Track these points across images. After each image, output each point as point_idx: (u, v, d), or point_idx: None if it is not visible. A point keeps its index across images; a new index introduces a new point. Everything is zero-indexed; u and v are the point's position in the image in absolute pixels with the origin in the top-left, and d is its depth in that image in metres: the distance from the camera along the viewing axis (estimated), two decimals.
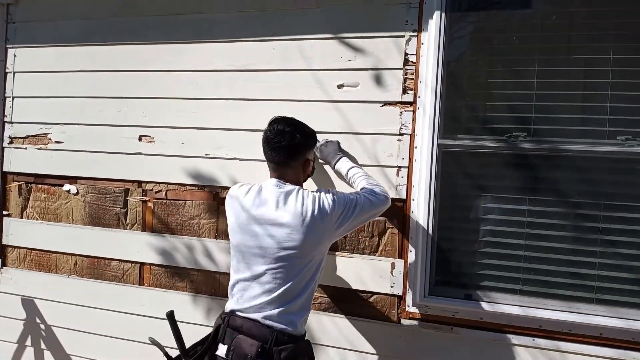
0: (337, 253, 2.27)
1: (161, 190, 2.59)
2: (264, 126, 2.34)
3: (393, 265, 2.20)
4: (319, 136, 2.06)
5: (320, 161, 2.26)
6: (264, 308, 1.79)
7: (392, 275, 2.20)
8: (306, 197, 1.82)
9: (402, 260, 2.19)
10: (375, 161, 2.21)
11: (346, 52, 2.25)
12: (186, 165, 2.53)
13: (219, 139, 2.47)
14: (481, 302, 2.09)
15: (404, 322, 2.19)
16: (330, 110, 2.28)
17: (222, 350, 1.81)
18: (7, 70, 2.89)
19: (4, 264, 2.91)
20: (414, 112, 2.16)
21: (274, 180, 1.89)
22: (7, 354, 2.93)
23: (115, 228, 2.66)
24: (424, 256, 2.14)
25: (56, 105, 2.75)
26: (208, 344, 1.86)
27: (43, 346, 2.85)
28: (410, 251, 2.17)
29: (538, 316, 2.03)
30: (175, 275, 2.56)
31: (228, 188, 2.42)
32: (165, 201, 2.58)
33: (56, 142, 2.76)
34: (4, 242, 2.91)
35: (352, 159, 2.20)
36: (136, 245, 2.62)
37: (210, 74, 2.47)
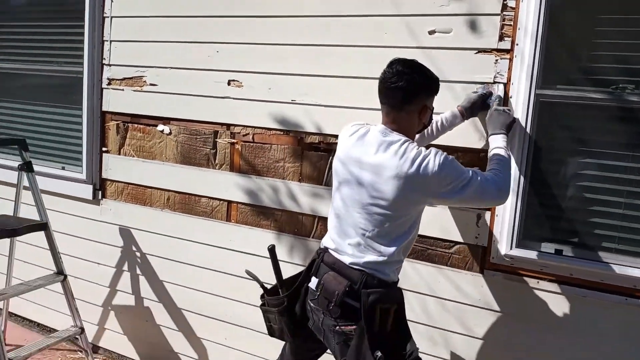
0: None
1: (248, 134, 2.68)
2: (351, 73, 2.37)
3: (479, 216, 2.19)
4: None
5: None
6: (355, 253, 1.79)
7: (477, 226, 2.19)
8: (409, 151, 1.70)
9: (489, 212, 2.17)
10: None
11: None
12: (272, 110, 2.59)
13: (305, 85, 2.49)
14: (572, 258, 2.05)
15: (488, 273, 2.19)
16: (420, 57, 2.18)
17: (313, 282, 1.86)
18: (104, 15, 3.02)
19: (103, 196, 3.17)
20: (511, 60, 2.07)
21: (382, 127, 1.81)
22: (107, 277, 3.23)
23: (205, 167, 2.79)
24: (513, 208, 2.10)
25: (151, 49, 2.86)
26: (303, 276, 1.93)
27: (138, 272, 3.11)
28: None
29: (634, 275, 1.96)
30: (260, 213, 2.68)
31: (312, 134, 2.49)
32: (252, 144, 2.67)
33: (151, 84, 2.89)
34: (104, 175, 3.14)
35: (507, 141, 1.97)
36: (224, 185, 2.75)
37: (299, 19, 2.47)
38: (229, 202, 2.76)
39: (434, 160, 1.69)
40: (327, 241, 1.93)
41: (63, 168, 3.28)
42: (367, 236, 1.78)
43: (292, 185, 2.58)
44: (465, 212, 2.21)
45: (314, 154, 2.52)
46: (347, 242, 1.83)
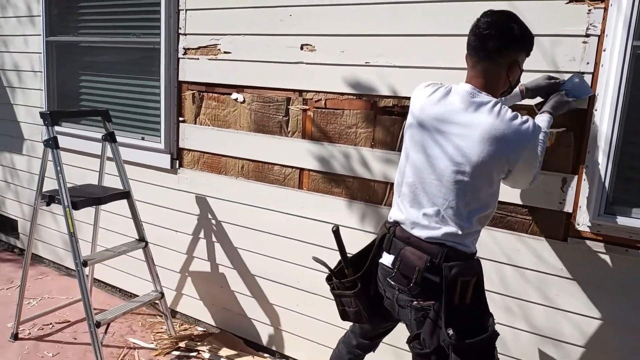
0: None
1: (320, 100, 2.65)
2: (426, 31, 2.28)
3: (564, 180, 2.05)
4: None
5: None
6: (432, 224, 1.70)
7: (562, 191, 2.06)
8: (506, 111, 1.60)
9: (575, 176, 2.03)
10: (553, 66, 2.02)
11: None
12: (345, 74, 2.54)
13: (378, 46, 2.43)
14: None
15: (572, 240, 2.06)
16: (504, 8, 2.09)
17: (387, 259, 1.79)
18: None
19: (180, 165, 3.26)
20: (605, 9, 1.91)
21: (468, 87, 1.68)
22: (184, 244, 3.35)
23: (278, 135, 2.80)
24: (603, 172, 1.95)
25: (224, 16, 2.89)
26: (374, 251, 1.85)
27: (214, 239, 3.20)
28: (587, 166, 1.99)
29: None
30: (332, 181, 2.66)
31: (386, 97, 2.43)
32: (324, 110, 2.65)
33: (225, 52, 2.93)
34: (181, 145, 3.24)
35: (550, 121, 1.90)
36: (296, 152, 2.75)
37: None
38: (301, 170, 2.76)
39: (533, 127, 1.61)
40: (396, 214, 1.83)
41: (143, 138, 3.41)
42: (447, 207, 1.68)
43: (364, 152, 2.53)
44: (549, 176, 2.07)
45: (387, 118, 2.46)
46: (422, 213, 1.73)
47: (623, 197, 1.98)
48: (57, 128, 3.11)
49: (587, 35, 1.94)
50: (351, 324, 2.10)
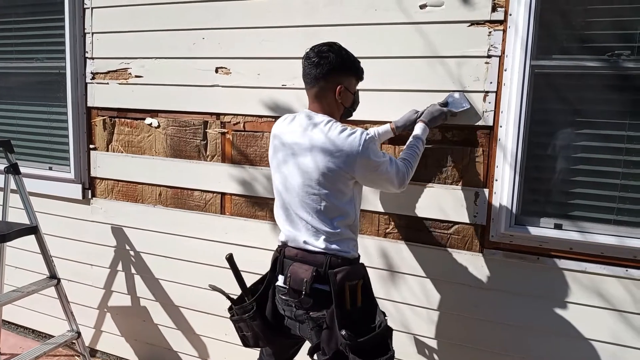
0: (417, 182, 2.23)
1: (239, 122, 2.61)
2: None
3: (477, 194, 2.14)
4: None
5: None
6: (310, 239, 1.80)
7: (476, 204, 2.14)
8: (335, 127, 1.76)
9: (487, 190, 2.12)
10: (459, 86, 2.11)
11: None
12: (263, 97, 2.52)
13: (295, 68, 2.42)
14: (571, 232, 2.01)
15: (487, 252, 2.15)
16: (411, 33, 2.17)
17: (281, 280, 1.87)
18: (85, 6, 2.93)
19: (93, 195, 3.09)
20: (504, 31, 2.02)
21: (307, 111, 1.86)
22: (101, 279, 3.16)
23: (197, 160, 2.73)
24: (511, 185, 2.06)
25: (134, 40, 2.79)
26: (269, 278, 1.93)
27: (133, 271, 3.04)
28: (496, 180, 2.09)
29: (633, 246, 1.93)
30: (255, 204, 2.62)
31: None
32: (243, 133, 2.61)
33: (136, 76, 2.82)
34: (92, 174, 3.07)
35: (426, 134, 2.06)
36: (217, 176, 2.69)
37: (286, 0, 2.40)
38: (223, 194, 2.70)
39: (360, 137, 1.74)
40: (281, 235, 1.93)
41: (50, 168, 3.20)
42: (312, 219, 1.80)
43: None
44: (462, 191, 2.16)
45: None
46: (298, 230, 1.84)
47: (532, 208, 2.10)
48: None
49: (489, 56, 2.05)
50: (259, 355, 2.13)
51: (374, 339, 1.71)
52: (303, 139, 1.79)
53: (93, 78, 2.97)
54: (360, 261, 1.89)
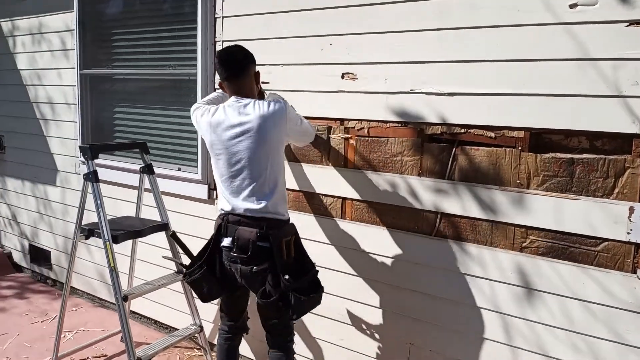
0: (562, 194, 2.07)
1: (363, 128, 2.59)
2: (478, 56, 2.22)
3: (632, 209, 1.94)
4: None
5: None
6: (251, 205, 2.22)
7: (630, 220, 1.95)
8: (263, 102, 2.21)
9: None
10: (615, 91, 1.93)
11: None
12: (389, 102, 2.49)
13: (424, 73, 2.37)
14: None
15: None
16: (559, 34, 2.02)
17: (226, 241, 2.27)
18: (216, 16, 3.07)
19: (217, 195, 3.21)
20: None
21: (234, 98, 2.27)
22: None
23: (319, 164, 2.75)
24: None
25: (262, 47, 2.85)
26: (213, 240, 2.33)
27: None
28: None
29: None
30: (376, 210, 2.59)
31: (434, 125, 2.37)
32: (367, 138, 2.58)
33: (263, 82, 2.88)
34: None
35: None
36: (338, 181, 2.69)
37: (417, 3, 2.35)
38: (344, 199, 2.69)
39: (282, 102, 2.24)
40: (225, 205, 2.31)
41: (179, 169, 3.39)
42: (254, 186, 2.22)
43: (412, 180, 2.46)
44: (614, 205, 1.97)
45: (435, 146, 2.38)
46: (241, 198, 2.24)
47: None
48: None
49: None
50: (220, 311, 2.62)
51: (307, 279, 2.24)
52: (240, 118, 2.19)
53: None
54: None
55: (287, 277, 2.14)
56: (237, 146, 2.22)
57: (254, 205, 2.23)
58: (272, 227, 2.21)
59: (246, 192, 2.23)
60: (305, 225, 2.82)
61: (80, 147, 2.82)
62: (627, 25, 1.89)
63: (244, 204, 2.24)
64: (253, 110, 2.19)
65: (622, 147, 1.96)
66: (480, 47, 2.21)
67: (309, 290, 2.22)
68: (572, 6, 1.99)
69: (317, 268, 2.34)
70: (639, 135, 1.91)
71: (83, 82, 3.94)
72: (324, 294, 2.72)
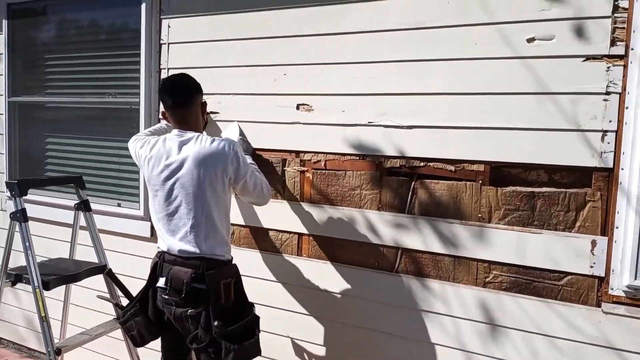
0: (524, 228, 2.05)
1: (320, 161, 2.50)
2: (436, 89, 2.19)
3: (594, 243, 1.94)
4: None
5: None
6: (188, 247, 2.08)
7: (593, 254, 1.94)
8: (206, 139, 2.08)
9: (606, 238, 1.93)
10: (574, 124, 1.94)
11: (538, 1, 1.98)
12: (347, 134, 2.41)
13: (382, 104, 2.31)
14: None
15: (606, 306, 1.93)
16: (517, 68, 2.03)
17: (161, 281, 2.12)
18: (161, 42, 2.91)
19: None
20: (625, 66, 1.86)
21: (176, 131, 2.15)
22: None
23: (273, 198, 2.61)
24: (637, 233, 1.86)
25: (211, 76, 2.72)
26: (149, 280, 2.20)
27: None
28: (617, 227, 1.90)
29: None
30: (335, 246, 2.48)
31: (393, 158, 2.30)
32: (324, 171, 2.49)
33: (212, 112, 2.74)
34: None
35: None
36: (294, 216, 2.56)
37: (375, 35, 2.30)
38: (300, 235, 2.57)
39: (229, 143, 2.08)
40: (161, 244, 2.19)
41: (119, 205, 3.15)
42: (191, 227, 2.08)
43: (371, 215, 2.37)
44: (577, 239, 1.97)
45: (394, 180, 2.32)
46: (177, 238, 2.11)
47: None
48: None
49: (608, 93, 1.89)
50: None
51: (242, 326, 2.06)
52: (179, 155, 2.07)
53: None
54: (237, 264, 2.21)
55: (216, 322, 2.00)
56: (172, 185, 2.09)
57: (189, 247, 2.09)
58: (210, 267, 2.07)
59: (181, 232, 2.10)
60: (259, 263, 2.67)
61: (6, 183, 2.55)
62: (584, 60, 1.92)
63: (179, 244, 2.10)
64: (193, 146, 2.07)
65: (582, 181, 1.97)
66: (438, 80, 2.18)
67: (242, 338, 2.05)
68: (530, 40, 2.00)
69: (256, 313, 2.18)
70: (599, 169, 1.92)
71: (11, 110, 3.63)
72: (276, 336, 2.57)
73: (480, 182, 2.14)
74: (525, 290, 2.07)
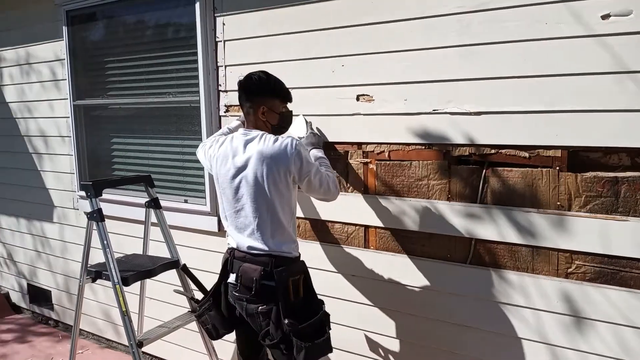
0: (608, 216, 1.94)
1: (383, 151, 2.45)
2: (504, 73, 2.10)
3: None
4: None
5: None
6: (255, 243, 2.10)
7: None
8: (269, 138, 2.07)
9: None
10: None
11: None
12: (410, 124, 2.35)
13: (448, 91, 2.23)
14: None
15: None
16: (591, 46, 1.90)
17: (232, 278, 2.18)
18: (217, 40, 2.92)
19: None
20: None
21: (242, 129, 2.18)
22: None
23: None
24: None
25: (268, 70, 2.69)
26: (221, 275, 2.25)
27: None
28: None
29: None
30: (403, 238, 2.44)
31: (461, 146, 2.23)
32: (388, 162, 2.44)
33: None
34: None
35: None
36: (359, 208, 2.54)
37: (436, 20, 2.22)
38: (367, 227, 2.55)
39: (291, 143, 2.05)
40: (231, 241, 2.23)
41: (186, 201, 3.22)
42: (257, 223, 2.09)
43: (440, 205, 2.32)
44: None
45: (464, 169, 2.25)
46: (245, 235, 2.14)
47: None
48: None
49: None
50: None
51: (313, 324, 2.05)
52: (245, 155, 2.08)
53: (227, 111, 2.94)
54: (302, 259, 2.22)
55: (286, 320, 2.01)
56: (239, 183, 2.12)
57: (257, 244, 2.11)
58: (278, 264, 2.08)
59: (248, 230, 2.13)
60: (324, 256, 2.68)
61: (82, 185, 2.66)
62: None
63: (247, 241, 2.13)
64: (257, 145, 2.07)
65: None
66: (505, 63, 2.08)
67: (313, 336, 2.04)
68: (605, 17, 1.87)
69: (326, 309, 2.16)
70: None
71: (77, 113, 3.76)
72: (346, 328, 2.57)
73: (557, 168, 2.04)
74: (612, 281, 1.97)
